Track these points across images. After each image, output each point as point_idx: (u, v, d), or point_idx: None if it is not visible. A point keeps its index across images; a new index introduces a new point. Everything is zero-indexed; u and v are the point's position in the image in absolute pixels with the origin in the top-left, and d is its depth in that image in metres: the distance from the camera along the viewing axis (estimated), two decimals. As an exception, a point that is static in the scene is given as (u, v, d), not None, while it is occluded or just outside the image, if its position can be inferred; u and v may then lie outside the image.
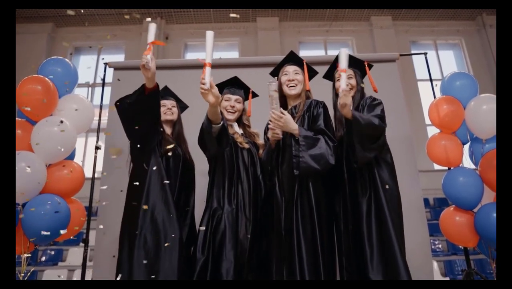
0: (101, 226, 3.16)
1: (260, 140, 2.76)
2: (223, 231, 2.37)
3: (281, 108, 2.38)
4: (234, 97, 2.70)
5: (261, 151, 2.66)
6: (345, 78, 2.23)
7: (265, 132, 2.69)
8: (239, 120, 2.77)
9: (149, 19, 2.38)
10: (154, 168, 2.46)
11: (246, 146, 2.59)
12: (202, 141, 2.47)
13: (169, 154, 2.57)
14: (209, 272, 2.31)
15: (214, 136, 2.40)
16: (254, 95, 2.78)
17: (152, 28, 2.35)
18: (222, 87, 2.73)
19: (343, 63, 2.24)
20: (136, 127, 2.42)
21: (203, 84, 2.17)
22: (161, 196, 2.42)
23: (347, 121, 2.36)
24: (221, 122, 2.40)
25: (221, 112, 2.64)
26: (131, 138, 2.53)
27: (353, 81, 2.60)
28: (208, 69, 2.18)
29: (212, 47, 2.22)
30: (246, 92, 2.78)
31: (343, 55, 2.24)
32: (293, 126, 2.36)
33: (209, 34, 2.24)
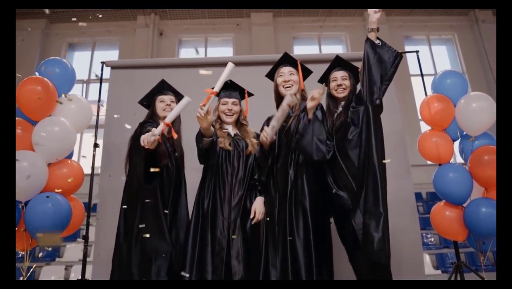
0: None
1: (253, 139, 2.77)
2: (202, 231, 2.53)
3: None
4: (230, 100, 2.76)
5: (250, 148, 2.71)
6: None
7: (262, 129, 2.76)
8: (237, 121, 2.83)
9: (188, 98, 2.35)
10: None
11: (229, 148, 2.65)
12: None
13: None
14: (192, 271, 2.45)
15: (204, 148, 2.59)
16: (249, 94, 2.85)
17: (183, 102, 2.36)
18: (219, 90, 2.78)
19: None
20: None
21: (201, 109, 2.31)
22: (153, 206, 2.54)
23: None
24: (212, 138, 2.56)
25: (219, 116, 2.77)
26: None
27: (347, 82, 2.68)
28: (212, 98, 2.33)
29: (225, 79, 2.38)
30: (241, 92, 2.83)
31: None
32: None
33: (229, 66, 2.38)
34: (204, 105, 2.31)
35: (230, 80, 2.76)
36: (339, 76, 2.70)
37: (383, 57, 2.51)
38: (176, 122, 2.83)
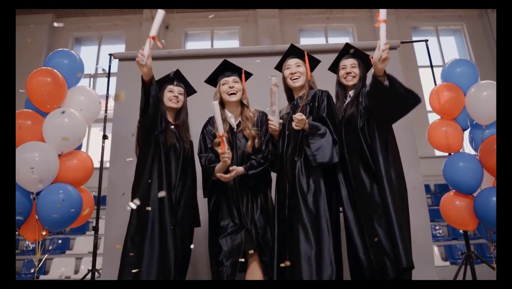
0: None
1: (252, 130, 2.69)
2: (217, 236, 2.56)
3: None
4: (231, 78, 2.71)
5: (249, 143, 2.65)
6: (384, 31, 2.22)
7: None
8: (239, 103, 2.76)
9: (162, 10, 2.47)
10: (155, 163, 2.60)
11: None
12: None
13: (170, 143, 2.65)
14: None
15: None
16: (248, 75, 2.81)
17: (159, 16, 2.44)
18: (216, 75, 2.76)
19: (382, 14, 2.24)
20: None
21: (225, 154, 2.43)
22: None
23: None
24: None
25: (221, 97, 2.71)
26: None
27: (356, 70, 2.66)
28: (225, 139, 2.43)
29: (220, 118, 2.44)
30: (239, 74, 2.77)
31: (382, 12, 2.25)
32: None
33: (215, 105, 2.46)
34: (225, 152, 2.43)
35: (225, 60, 2.75)
36: (349, 64, 2.67)
37: (394, 98, 2.31)
38: (183, 113, 2.81)
